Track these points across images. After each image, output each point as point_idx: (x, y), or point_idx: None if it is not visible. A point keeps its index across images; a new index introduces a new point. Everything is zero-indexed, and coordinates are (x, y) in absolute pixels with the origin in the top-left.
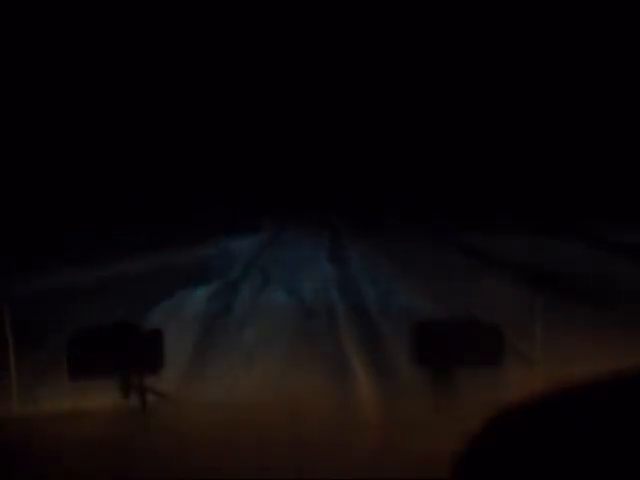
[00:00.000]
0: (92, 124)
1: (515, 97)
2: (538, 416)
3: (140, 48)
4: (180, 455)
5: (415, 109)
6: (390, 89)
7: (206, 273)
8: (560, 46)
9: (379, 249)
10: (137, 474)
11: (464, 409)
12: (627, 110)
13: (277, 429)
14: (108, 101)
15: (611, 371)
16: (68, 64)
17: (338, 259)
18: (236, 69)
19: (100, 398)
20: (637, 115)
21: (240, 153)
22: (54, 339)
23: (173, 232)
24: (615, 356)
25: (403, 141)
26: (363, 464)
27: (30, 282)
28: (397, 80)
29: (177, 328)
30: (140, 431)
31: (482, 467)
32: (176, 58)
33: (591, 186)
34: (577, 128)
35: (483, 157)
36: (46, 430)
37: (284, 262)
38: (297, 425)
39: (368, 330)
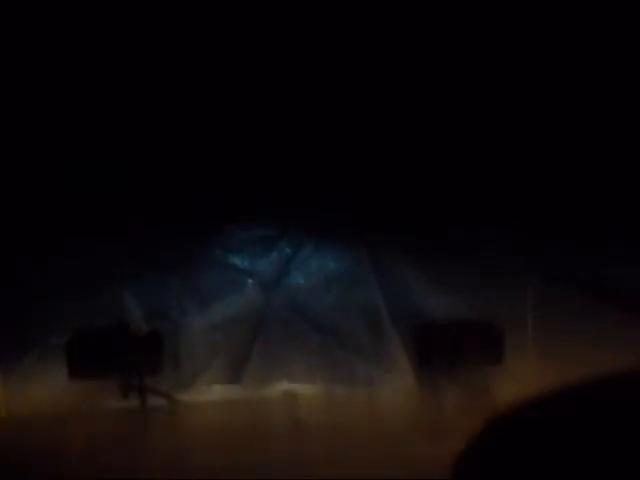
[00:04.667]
0: (91, 124)
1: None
2: (537, 417)
3: (139, 48)
4: (180, 455)
5: (416, 109)
6: (391, 90)
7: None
8: (560, 47)
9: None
10: (137, 474)
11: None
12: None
13: (277, 428)
14: (108, 101)
15: (610, 371)
16: (68, 64)
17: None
18: (236, 69)
19: (100, 398)
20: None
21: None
22: None
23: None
24: None
25: (405, 142)
26: (364, 464)
27: None
28: (398, 80)
29: None
30: (140, 431)
31: (482, 467)
32: (176, 58)
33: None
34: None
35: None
36: (46, 430)
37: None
38: (297, 425)
39: None
